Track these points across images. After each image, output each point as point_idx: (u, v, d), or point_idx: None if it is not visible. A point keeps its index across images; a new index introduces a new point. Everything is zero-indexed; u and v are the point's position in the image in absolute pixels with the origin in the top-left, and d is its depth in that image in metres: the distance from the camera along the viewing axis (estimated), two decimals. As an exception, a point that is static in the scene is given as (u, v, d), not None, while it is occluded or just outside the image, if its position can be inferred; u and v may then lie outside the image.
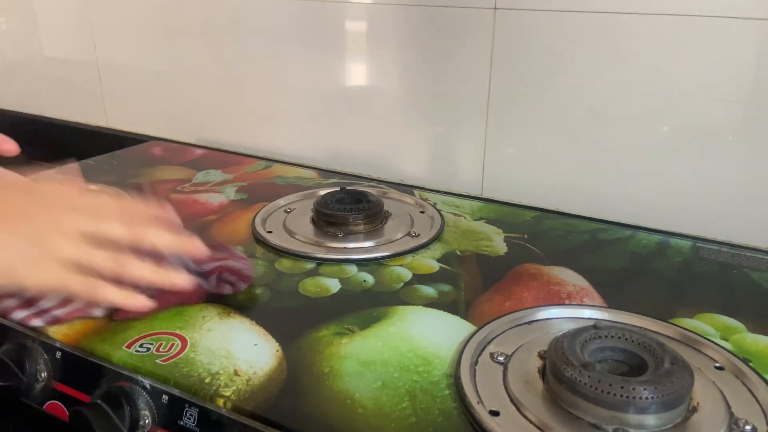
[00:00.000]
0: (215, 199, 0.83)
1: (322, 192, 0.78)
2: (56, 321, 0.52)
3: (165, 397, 0.47)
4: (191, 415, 0.46)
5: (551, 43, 0.77)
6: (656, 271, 0.65)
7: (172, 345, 0.50)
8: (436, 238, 0.71)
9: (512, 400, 0.44)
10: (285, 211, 0.78)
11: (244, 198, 0.83)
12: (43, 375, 0.53)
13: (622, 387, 0.40)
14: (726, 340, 0.53)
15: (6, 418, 0.57)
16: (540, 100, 0.80)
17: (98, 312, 0.52)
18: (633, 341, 0.46)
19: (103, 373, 0.50)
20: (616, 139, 0.77)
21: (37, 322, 0.52)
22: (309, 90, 0.97)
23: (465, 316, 0.56)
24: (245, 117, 1.05)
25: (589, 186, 0.80)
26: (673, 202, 0.76)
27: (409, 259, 0.66)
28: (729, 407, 0.44)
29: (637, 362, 0.45)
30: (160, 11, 1.07)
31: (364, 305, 0.57)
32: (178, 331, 0.52)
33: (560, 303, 0.58)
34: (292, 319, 0.55)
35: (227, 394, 0.45)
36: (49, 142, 1.26)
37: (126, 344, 0.50)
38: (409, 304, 0.58)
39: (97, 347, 0.50)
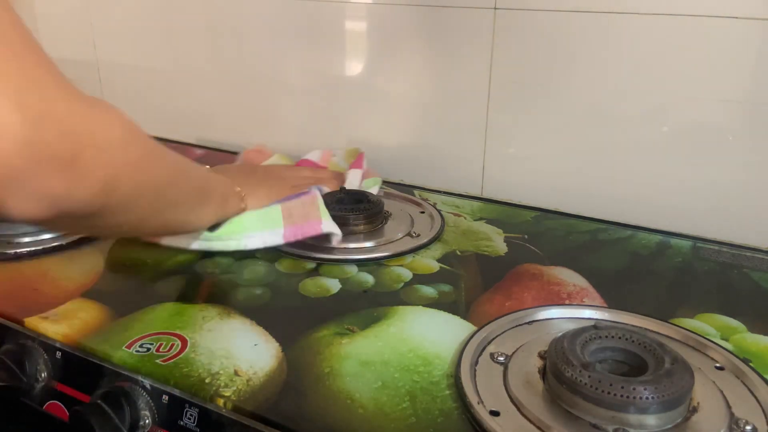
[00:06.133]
0: (215, 199, 0.82)
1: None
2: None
3: (165, 397, 0.47)
4: (191, 415, 0.46)
5: (551, 43, 0.77)
6: (656, 271, 0.65)
7: (172, 345, 0.50)
8: (436, 238, 0.71)
9: (512, 401, 0.44)
10: (285, 211, 0.78)
11: (244, 198, 0.83)
12: (43, 375, 0.53)
13: (622, 387, 0.40)
14: (726, 340, 0.53)
15: (6, 418, 0.57)
16: (540, 100, 0.80)
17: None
18: (633, 341, 0.46)
19: (103, 373, 0.50)
20: (616, 139, 0.77)
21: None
22: (309, 90, 0.97)
23: (465, 316, 0.55)
24: (245, 117, 1.05)
25: (589, 186, 0.80)
26: (673, 202, 0.76)
27: (409, 259, 0.66)
28: (729, 407, 0.44)
29: (637, 362, 0.45)
30: (161, 11, 1.07)
31: (364, 305, 0.57)
32: (178, 331, 0.52)
33: (560, 303, 0.58)
34: (293, 319, 0.55)
35: (227, 394, 0.45)
36: (49, 142, 1.26)
37: (126, 344, 0.50)
38: (409, 304, 0.57)
39: (97, 347, 0.50)
